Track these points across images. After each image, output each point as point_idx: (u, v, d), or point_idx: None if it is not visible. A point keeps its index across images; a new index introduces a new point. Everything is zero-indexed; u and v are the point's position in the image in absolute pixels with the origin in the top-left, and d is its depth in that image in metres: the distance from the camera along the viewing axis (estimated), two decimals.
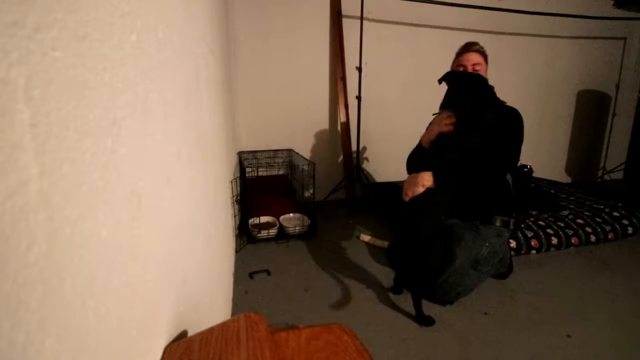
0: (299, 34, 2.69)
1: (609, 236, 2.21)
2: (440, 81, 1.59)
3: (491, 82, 1.59)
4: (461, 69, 1.61)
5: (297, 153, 2.65)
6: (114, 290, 0.35)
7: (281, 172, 2.73)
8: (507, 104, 1.63)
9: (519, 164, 1.81)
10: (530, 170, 2.51)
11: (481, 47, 1.62)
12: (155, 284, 0.48)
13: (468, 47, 1.62)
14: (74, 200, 0.28)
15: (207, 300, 0.90)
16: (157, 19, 0.54)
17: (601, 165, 3.75)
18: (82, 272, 0.29)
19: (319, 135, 2.92)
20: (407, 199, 1.55)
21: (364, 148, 3.01)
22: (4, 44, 0.21)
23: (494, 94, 1.67)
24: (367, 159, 3.07)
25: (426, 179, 1.52)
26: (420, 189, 1.52)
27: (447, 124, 1.55)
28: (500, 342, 1.36)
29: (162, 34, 0.56)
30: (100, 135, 0.33)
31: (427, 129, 1.73)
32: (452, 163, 1.52)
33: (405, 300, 1.57)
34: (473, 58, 1.59)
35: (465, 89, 1.55)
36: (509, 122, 1.56)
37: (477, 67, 1.57)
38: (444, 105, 1.63)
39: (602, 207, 2.41)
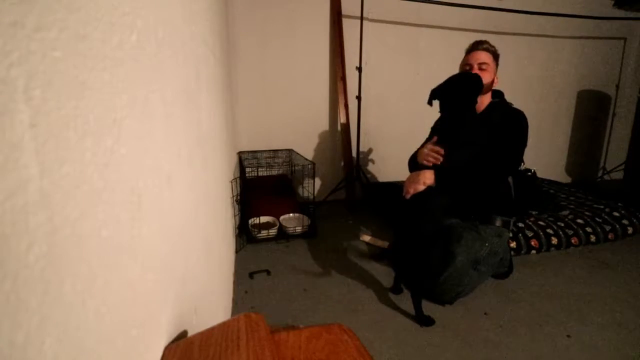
0: (299, 34, 2.69)
1: (609, 236, 2.21)
2: (430, 102, 1.55)
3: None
4: (467, 67, 1.59)
5: (297, 153, 2.65)
6: (114, 290, 0.35)
7: (281, 172, 2.73)
8: (513, 105, 1.62)
9: (523, 167, 1.81)
10: (534, 174, 2.51)
11: (491, 46, 1.60)
12: (155, 284, 0.48)
13: (476, 45, 1.60)
14: (74, 200, 0.28)
15: (207, 300, 0.90)
16: (157, 19, 0.54)
17: (601, 165, 3.75)
18: (82, 272, 0.29)
19: (319, 135, 2.92)
20: (408, 196, 1.54)
21: (364, 148, 3.02)
22: (4, 44, 0.21)
23: (502, 95, 1.66)
24: (367, 158, 3.07)
25: (428, 177, 1.52)
26: (422, 187, 1.51)
27: (434, 158, 1.54)
28: (500, 342, 1.36)
29: (162, 34, 0.56)
30: (100, 135, 0.33)
31: (422, 147, 1.69)
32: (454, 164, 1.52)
33: (405, 300, 1.57)
34: (480, 57, 1.57)
35: (455, 108, 1.52)
36: (513, 124, 1.55)
37: (484, 67, 1.55)
38: (437, 128, 1.61)
39: (602, 207, 2.41)
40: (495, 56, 1.60)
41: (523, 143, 1.56)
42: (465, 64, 1.61)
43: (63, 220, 0.27)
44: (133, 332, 0.39)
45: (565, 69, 3.43)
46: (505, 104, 1.63)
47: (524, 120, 1.56)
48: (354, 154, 2.85)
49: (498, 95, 1.69)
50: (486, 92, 1.57)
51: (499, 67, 1.64)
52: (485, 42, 1.61)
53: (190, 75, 0.82)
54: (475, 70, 1.55)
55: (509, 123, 1.55)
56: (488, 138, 1.52)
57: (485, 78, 1.53)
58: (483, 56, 1.57)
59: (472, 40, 1.68)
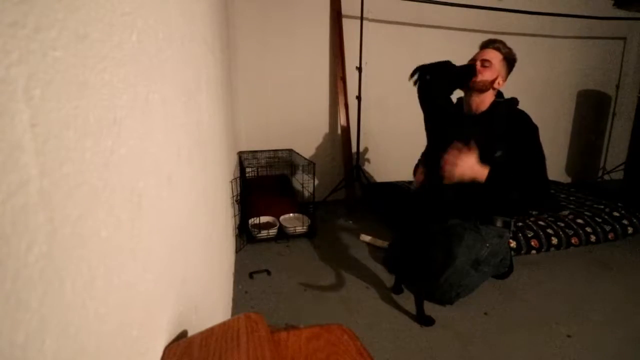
0: (299, 33, 2.69)
1: (609, 236, 2.21)
2: (411, 76, 1.52)
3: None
4: (471, 62, 1.56)
5: (297, 153, 2.65)
6: (114, 290, 0.35)
7: (281, 172, 2.73)
8: (517, 105, 1.58)
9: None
10: None
11: (503, 47, 1.53)
12: (156, 284, 0.48)
13: (487, 43, 1.55)
14: (74, 200, 0.28)
15: (207, 300, 0.90)
16: (157, 19, 0.54)
17: (601, 165, 3.74)
18: (82, 272, 0.29)
19: (319, 135, 2.92)
20: (447, 176, 1.39)
21: (364, 148, 3.01)
22: (4, 44, 0.21)
23: (501, 95, 1.63)
24: (367, 159, 3.07)
25: (480, 174, 1.40)
26: (467, 178, 1.40)
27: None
28: (500, 342, 1.36)
29: (163, 34, 0.56)
30: (100, 135, 0.33)
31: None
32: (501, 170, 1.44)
33: (406, 300, 1.57)
34: (485, 54, 1.52)
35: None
36: (526, 132, 1.49)
37: (486, 64, 1.50)
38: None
39: (602, 207, 2.41)
40: (507, 57, 1.53)
41: (540, 150, 1.52)
42: (471, 59, 1.58)
43: (63, 220, 0.26)
44: (133, 332, 0.39)
45: (565, 69, 3.43)
46: (509, 104, 1.58)
47: (532, 125, 1.52)
48: (354, 154, 2.85)
49: (498, 95, 1.67)
50: (485, 91, 1.54)
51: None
52: (499, 42, 1.54)
53: (190, 75, 0.82)
54: (477, 66, 1.52)
55: (521, 131, 1.49)
56: (489, 139, 1.50)
57: (485, 75, 1.50)
58: (490, 54, 1.52)
59: (472, 40, 1.67)
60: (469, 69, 1.49)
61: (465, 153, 1.40)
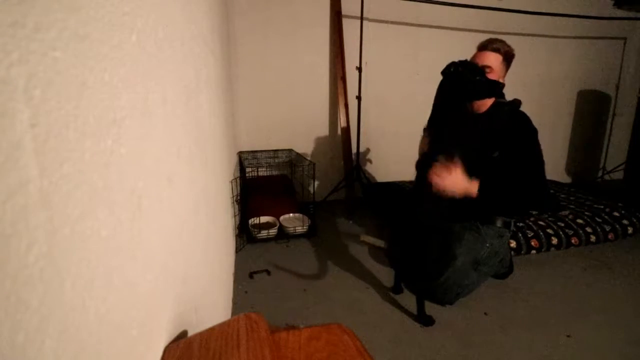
0: (299, 33, 2.69)
1: (609, 236, 2.21)
2: (444, 73, 1.41)
3: None
4: None
5: (297, 153, 2.65)
6: (114, 290, 0.35)
7: (281, 172, 2.73)
8: (519, 106, 1.56)
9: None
10: None
11: (503, 47, 1.49)
12: (156, 284, 0.48)
13: (486, 45, 1.51)
14: (74, 200, 0.28)
15: (207, 300, 0.90)
16: (157, 19, 0.54)
17: (601, 165, 3.74)
18: (82, 272, 0.29)
19: (319, 135, 2.92)
20: (435, 187, 1.38)
21: (364, 148, 3.01)
22: (4, 44, 0.21)
23: (503, 95, 1.61)
24: (367, 159, 3.07)
25: (470, 190, 1.40)
26: (458, 194, 1.40)
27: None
28: (500, 342, 1.36)
29: (162, 34, 0.56)
30: (100, 135, 0.33)
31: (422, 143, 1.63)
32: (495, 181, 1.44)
33: (406, 300, 1.57)
34: (486, 58, 1.48)
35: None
36: (526, 136, 1.48)
37: (487, 70, 1.45)
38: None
39: (602, 207, 2.41)
40: (507, 56, 1.50)
41: (539, 152, 1.51)
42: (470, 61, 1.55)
43: (63, 220, 0.26)
44: (133, 332, 0.39)
45: (565, 69, 3.43)
46: (511, 105, 1.56)
47: (532, 128, 1.50)
48: (354, 154, 2.85)
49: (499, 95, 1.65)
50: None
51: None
52: (497, 41, 1.50)
53: (190, 75, 0.82)
54: None
55: (519, 132, 1.47)
56: (488, 139, 1.50)
57: None
58: (490, 58, 1.48)
59: (472, 40, 1.65)
60: (498, 86, 1.44)
61: (450, 169, 1.39)
